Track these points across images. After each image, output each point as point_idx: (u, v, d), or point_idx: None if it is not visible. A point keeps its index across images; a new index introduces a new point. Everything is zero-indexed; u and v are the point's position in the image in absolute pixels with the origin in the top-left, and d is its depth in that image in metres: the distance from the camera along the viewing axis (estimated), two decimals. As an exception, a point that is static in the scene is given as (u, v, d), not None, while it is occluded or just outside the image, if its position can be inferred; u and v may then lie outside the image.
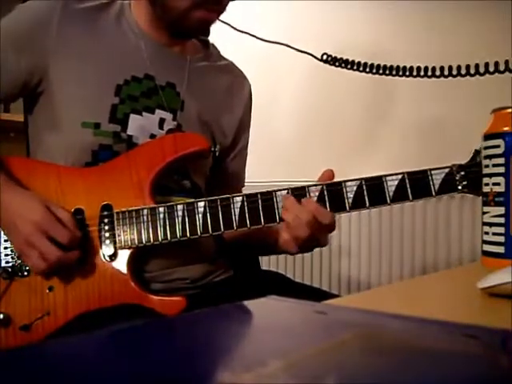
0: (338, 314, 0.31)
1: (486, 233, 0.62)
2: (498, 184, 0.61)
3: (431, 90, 1.84)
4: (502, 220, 0.60)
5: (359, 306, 0.32)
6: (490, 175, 0.62)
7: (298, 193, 0.78)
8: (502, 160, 0.60)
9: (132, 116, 0.86)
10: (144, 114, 0.87)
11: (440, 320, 0.27)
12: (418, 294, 0.52)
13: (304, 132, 2.18)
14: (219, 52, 1.05)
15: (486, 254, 0.62)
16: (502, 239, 0.59)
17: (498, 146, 0.61)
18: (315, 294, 0.94)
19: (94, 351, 0.24)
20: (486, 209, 0.62)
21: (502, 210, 0.60)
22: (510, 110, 0.62)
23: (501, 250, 0.59)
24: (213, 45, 1.04)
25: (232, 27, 0.98)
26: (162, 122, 0.89)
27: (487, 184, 0.62)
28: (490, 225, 0.61)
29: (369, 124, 2.06)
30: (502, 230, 0.60)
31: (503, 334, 0.26)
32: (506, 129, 0.61)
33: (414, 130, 1.95)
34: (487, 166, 0.63)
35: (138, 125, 0.86)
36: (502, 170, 0.60)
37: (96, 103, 0.85)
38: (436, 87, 1.85)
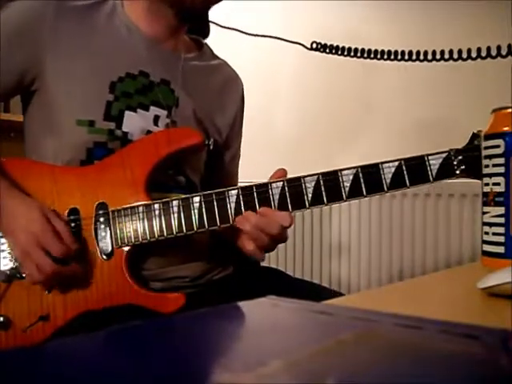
0: (338, 313, 0.31)
1: (486, 233, 0.62)
2: (497, 184, 0.61)
3: (431, 88, 1.84)
4: (501, 220, 0.60)
5: (359, 306, 0.32)
6: (490, 175, 0.62)
7: (293, 184, 0.78)
8: (502, 160, 0.60)
9: (127, 113, 0.86)
10: (138, 110, 0.87)
11: (440, 320, 0.27)
12: (418, 294, 0.52)
13: (302, 131, 2.18)
14: (212, 51, 1.05)
15: (486, 254, 0.62)
16: (501, 239, 0.59)
17: (497, 146, 0.61)
18: (315, 290, 0.94)
19: (93, 351, 0.24)
20: (485, 209, 0.62)
21: (502, 210, 0.60)
22: (510, 110, 0.62)
23: (501, 250, 0.59)
24: (206, 44, 1.04)
25: (218, 25, 0.97)
26: (156, 119, 0.89)
27: (487, 184, 0.62)
28: (490, 225, 0.61)
29: (368, 123, 2.06)
30: (501, 230, 0.60)
31: (503, 334, 0.26)
32: (506, 129, 0.61)
33: (414, 127, 1.95)
34: (487, 166, 0.63)
35: (133, 122, 0.86)
36: (502, 170, 0.60)
37: (90, 100, 0.84)
38: (436, 86, 1.85)
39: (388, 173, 0.76)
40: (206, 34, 1.04)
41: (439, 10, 1.82)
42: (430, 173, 0.75)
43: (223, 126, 1.01)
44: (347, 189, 0.77)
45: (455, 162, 0.75)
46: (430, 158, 0.76)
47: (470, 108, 1.76)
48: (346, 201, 0.78)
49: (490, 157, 0.62)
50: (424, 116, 1.93)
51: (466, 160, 0.74)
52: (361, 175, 0.77)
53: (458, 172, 0.75)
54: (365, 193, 0.77)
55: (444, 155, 0.75)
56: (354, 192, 0.77)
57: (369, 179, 0.77)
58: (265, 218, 0.77)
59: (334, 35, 1.91)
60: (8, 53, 0.84)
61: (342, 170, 0.78)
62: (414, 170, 0.76)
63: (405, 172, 0.76)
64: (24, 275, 0.80)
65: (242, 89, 1.07)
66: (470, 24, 1.78)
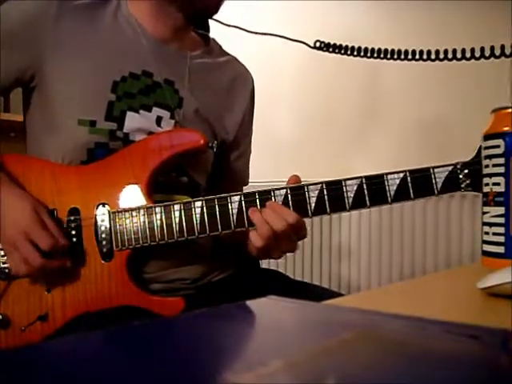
0: (338, 313, 0.31)
1: (486, 233, 0.62)
2: (497, 184, 0.61)
3: (431, 89, 1.84)
4: (501, 220, 0.60)
5: (359, 306, 0.32)
6: (490, 175, 0.62)
7: (297, 192, 0.77)
8: (502, 160, 0.60)
9: (129, 113, 0.85)
10: (141, 111, 0.86)
11: (440, 320, 0.27)
12: (418, 293, 0.52)
13: (303, 131, 2.18)
14: (220, 47, 1.04)
15: (486, 254, 0.62)
16: (501, 239, 0.59)
17: (497, 146, 0.61)
18: (315, 292, 0.93)
19: (94, 351, 0.24)
20: (485, 209, 0.62)
21: (501, 210, 0.60)
22: (510, 110, 0.62)
23: (501, 250, 0.59)
24: (213, 40, 1.03)
25: (222, 23, 0.97)
26: (159, 119, 0.88)
27: (487, 184, 0.62)
28: (490, 225, 0.61)
29: (368, 123, 2.06)
30: (501, 230, 0.60)
31: (503, 334, 0.26)
32: (506, 129, 0.61)
33: (414, 129, 1.95)
34: (487, 166, 0.63)
35: (135, 122, 0.85)
36: (502, 170, 0.60)
37: (92, 100, 0.83)
38: (436, 86, 1.85)
39: (393, 184, 0.75)
40: (207, 30, 1.03)
41: (442, 8, 1.82)
42: (435, 186, 0.74)
43: (231, 124, 1.00)
44: (351, 199, 0.76)
45: (461, 176, 0.73)
46: (435, 170, 0.74)
47: (471, 108, 1.76)
48: (348, 211, 0.77)
49: (489, 157, 0.62)
50: (425, 116, 1.93)
51: (472, 174, 0.72)
52: (365, 186, 0.76)
53: (463, 186, 0.73)
54: (368, 204, 0.76)
55: (450, 168, 0.74)
56: (358, 203, 0.76)
57: (373, 190, 0.75)
58: (272, 212, 0.76)
59: (336, 33, 1.90)
60: (9, 50, 0.83)
61: (346, 179, 0.76)
62: (418, 183, 0.74)
63: (410, 184, 0.75)
64: (9, 267, 0.80)
65: (253, 84, 1.05)
66: (471, 23, 1.78)
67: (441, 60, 0.90)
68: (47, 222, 0.78)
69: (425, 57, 0.91)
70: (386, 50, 0.94)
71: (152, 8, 0.90)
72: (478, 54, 0.88)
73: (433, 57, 0.91)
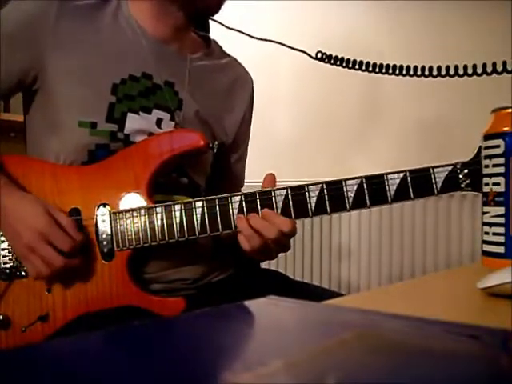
0: (338, 313, 0.31)
1: (486, 233, 0.62)
2: (497, 184, 0.61)
3: (431, 89, 1.83)
4: (501, 220, 0.60)
5: (359, 306, 0.32)
6: (490, 175, 0.62)
7: (297, 192, 0.77)
8: (502, 160, 0.60)
9: (129, 115, 0.85)
10: (141, 113, 0.86)
11: (440, 320, 0.27)
12: (418, 294, 0.52)
13: (303, 132, 2.18)
14: (221, 48, 1.04)
15: (486, 254, 0.62)
16: (501, 239, 0.59)
17: (497, 146, 0.61)
18: (315, 292, 0.93)
19: (94, 351, 0.24)
20: (485, 209, 0.62)
21: (501, 210, 0.60)
22: (510, 110, 0.62)
23: (501, 250, 0.59)
24: (214, 41, 1.03)
25: (224, 25, 0.96)
26: (159, 121, 0.88)
27: (487, 184, 0.62)
28: (490, 225, 0.61)
29: (368, 123, 2.06)
30: (502, 230, 0.60)
31: (503, 334, 0.26)
32: (506, 129, 0.61)
33: (414, 129, 1.95)
34: (487, 166, 0.63)
35: (136, 124, 0.85)
36: (502, 170, 0.60)
37: (93, 102, 0.83)
38: (436, 87, 1.85)
39: (392, 184, 0.75)
40: (207, 30, 1.03)
41: (442, 8, 1.82)
42: (434, 186, 0.74)
43: (231, 125, 1.00)
44: (351, 199, 0.76)
45: (460, 176, 0.73)
46: (435, 170, 0.74)
47: (471, 108, 1.76)
48: (349, 211, 0.77)
49: (490, 157, 0.62)
50: (425, 116, 1.93)
51: (472, 174, 0.72)
52: (365, 186, 0.76)
53: (463, 186, 0.74)
54: (368, 204, 0.76)
55: (450, 168, 0.74)
56: (358, 203, 0.76)
57: (373, 190, 0.76)
58: (264, 221, 0.76)
59: (336, 33, 1.90)
60: (10, 51, 0.83)
61: (346, 179, 0.77)
62: (418, 183, 0.75)
63: (409, 184, 0.75)
64: (27, 272, 0.80)
65: (252, 86, 1.06)
66: (471, 23, 1.78)
67: (442, 76, 0.90)
68: (62, 221, 0.78)
69: (426, 73, 0.91)
70: (387, 66, 0.94)
71: (153, 8, 0.90)
72: (479, 71, 0.88)
73: (434, 73, 0.91)
